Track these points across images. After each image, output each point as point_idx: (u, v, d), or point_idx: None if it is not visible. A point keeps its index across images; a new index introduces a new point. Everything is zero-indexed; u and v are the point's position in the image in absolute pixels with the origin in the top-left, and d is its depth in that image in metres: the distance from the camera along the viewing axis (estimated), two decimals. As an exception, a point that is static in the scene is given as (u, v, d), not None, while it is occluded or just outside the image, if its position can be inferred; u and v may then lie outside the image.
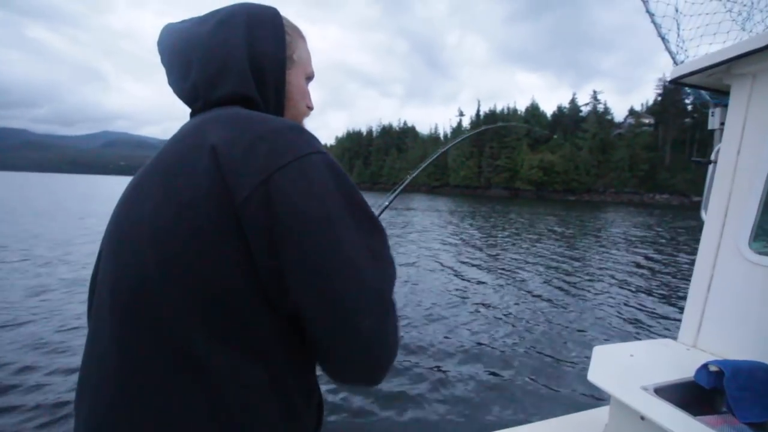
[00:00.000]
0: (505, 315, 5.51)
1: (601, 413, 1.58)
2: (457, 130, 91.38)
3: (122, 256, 0.51)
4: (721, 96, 1.59)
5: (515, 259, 9.74)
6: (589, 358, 1.43)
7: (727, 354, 1.41)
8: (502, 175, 77.76)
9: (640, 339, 4.51)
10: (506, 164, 77.11)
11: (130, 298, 0.49)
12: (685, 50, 1.72)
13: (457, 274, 8.04)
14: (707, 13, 1.61)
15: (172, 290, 0.47)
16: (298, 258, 0.47)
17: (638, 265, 9.52)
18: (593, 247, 11.98)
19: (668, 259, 10.53)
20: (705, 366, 1.21)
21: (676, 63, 1.70)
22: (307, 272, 0.48)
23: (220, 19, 0.63)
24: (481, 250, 11.17)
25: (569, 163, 72.56)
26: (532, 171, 73.84)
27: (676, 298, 6.66)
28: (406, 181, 1.68)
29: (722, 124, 1.53)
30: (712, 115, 1.63)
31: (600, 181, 71.61)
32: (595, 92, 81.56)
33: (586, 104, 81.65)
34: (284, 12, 0.68)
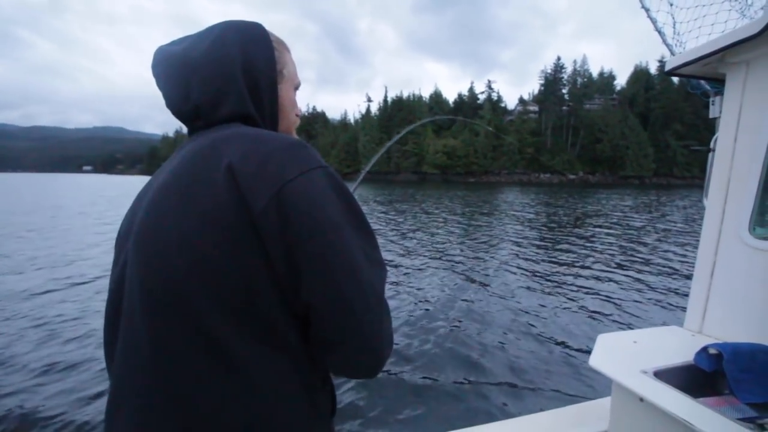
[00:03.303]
0: (506, 305, 5.47)
1: (608, 402, 1.58)
2: (366, 115, 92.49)
3: (153, 265, 0.56)
4: (721, 85, 1.58)
5: (504, 246, 9.71)
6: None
7: (733, 339, 1.41)
8: (411, 160, 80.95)
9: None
10: (413, 150, 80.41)
11: (164, 303, 0.54)
12: (683, 43, 1.70)
13: (451, 264, 7.90)
14: (704, 5, 1.59)
15: (202, 293, 0.53)
16: (307, 260, 0.53)
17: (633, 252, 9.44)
18: (584, 233, 11.93)
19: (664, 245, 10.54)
20: (704, 349, 1.21)
21: (673, 55, 1.68)
22: (316, 273, 0.54)
23: (214, 40, 0.66)
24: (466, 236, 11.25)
25: (469, 147, 78.40)
26: (437, 155, 78.12)
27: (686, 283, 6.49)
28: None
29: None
30: (713, 104, 1.63)
31: (495, 163, 78.70)
32: (489, 82, 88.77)
33: (482, 92, 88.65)
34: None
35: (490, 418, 2.90)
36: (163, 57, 0.67)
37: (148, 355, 0.55)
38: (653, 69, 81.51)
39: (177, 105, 0.67)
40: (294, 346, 0.58)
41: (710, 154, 1.59)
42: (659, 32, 1.78)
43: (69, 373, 3.70)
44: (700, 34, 1.64)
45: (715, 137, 1.56)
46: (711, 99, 1.66)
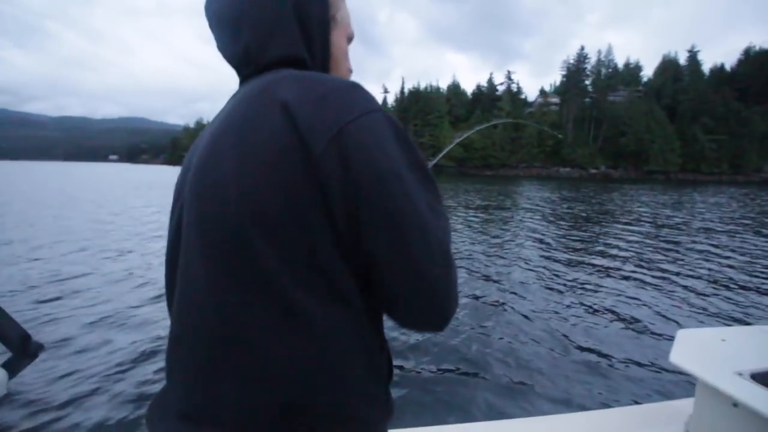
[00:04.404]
0: (562, 297, 5.48)
1: (683, 405, 1.43)
2: (383, 106, 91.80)
3: (210, 210, 0.55)
4: None
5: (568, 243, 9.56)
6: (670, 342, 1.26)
7: None
8: (427, 152, 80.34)
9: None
10: (430, 141, 79.78)
11: (221, 246, 0.53)
12: None
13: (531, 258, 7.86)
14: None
15: (260, 236, 0.51)
16: (369, 209, 0.51)
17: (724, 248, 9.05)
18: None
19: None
20: None
21: None
22: (380, 222, 0.51)
23: None
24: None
25: (487, 140, 77.20)
26: (453, 148, 77.54)
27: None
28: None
29: None
30: None
31: (513, 156, 77.27)
32: (509, 72, 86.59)
33: (501, 83, 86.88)
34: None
35: (545, 411, 2.84)
36: None
37: (204, 298, 0.55)
38: (682, 60, 78.20)
39: (228, 47, 0.66)
40: (353, 302, 0.55)
41: None
42: None
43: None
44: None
45: None
46: None
